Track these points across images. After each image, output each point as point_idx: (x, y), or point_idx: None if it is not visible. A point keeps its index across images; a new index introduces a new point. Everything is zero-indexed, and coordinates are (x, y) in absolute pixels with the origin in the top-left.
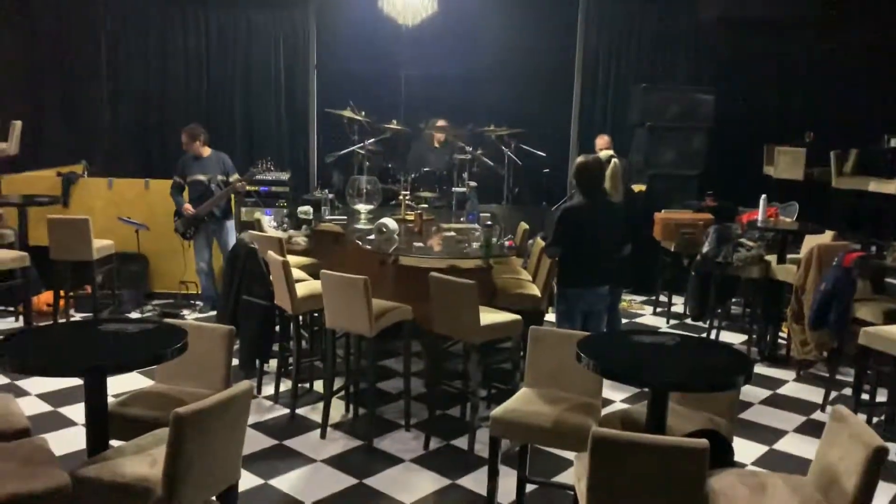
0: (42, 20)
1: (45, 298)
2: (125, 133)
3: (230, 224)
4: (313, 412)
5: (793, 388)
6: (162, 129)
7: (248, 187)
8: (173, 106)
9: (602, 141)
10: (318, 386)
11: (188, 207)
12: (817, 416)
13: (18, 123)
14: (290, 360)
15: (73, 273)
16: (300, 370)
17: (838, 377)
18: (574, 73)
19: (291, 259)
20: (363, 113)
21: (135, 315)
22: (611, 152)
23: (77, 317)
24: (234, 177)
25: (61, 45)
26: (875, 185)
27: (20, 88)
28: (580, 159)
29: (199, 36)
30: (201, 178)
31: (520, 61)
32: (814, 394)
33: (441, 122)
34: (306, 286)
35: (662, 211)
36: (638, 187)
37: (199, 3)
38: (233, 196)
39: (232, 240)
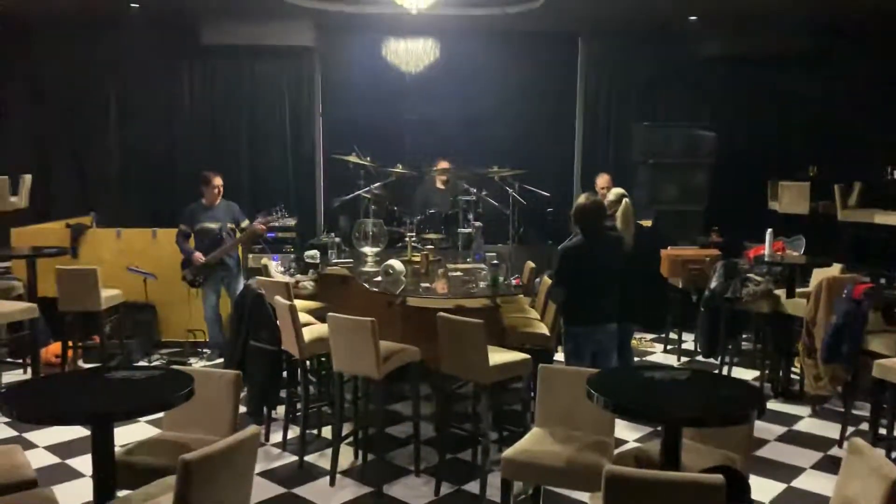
0: (50, 75)
1: (53, 350)
2: (133, 184)
3: (239, 271)
4: (322, 459)
5: (808, 424)
6: (170, 178)
7: (264, 229)
8: (180, 156)
9: (602, 180)
10: (327, 432)
11: (199, 256)
12: (835, 451)
13: (28, 177)
14: (298, 405)
15: (81, 323)
16: (308, 416)
17: (854, 412)
18: (575, 113)
19: (298, 303)
20: (368, 158)
21: (142, 364)
22: (622, 191)
23: (85, 367)
24: (245, 223)
25: (70, 99)
26: (881, 217)
27: (29, 142)
28: (579, 200)
29: (204, 86)
30: (212, 226)
31: (521, 103)
32: (830, 429)
33: (443, 164)
34: (313, 330)
35: (669, 247)
36: (644, 222)
37: (205, 55)
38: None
39: (241, 287)
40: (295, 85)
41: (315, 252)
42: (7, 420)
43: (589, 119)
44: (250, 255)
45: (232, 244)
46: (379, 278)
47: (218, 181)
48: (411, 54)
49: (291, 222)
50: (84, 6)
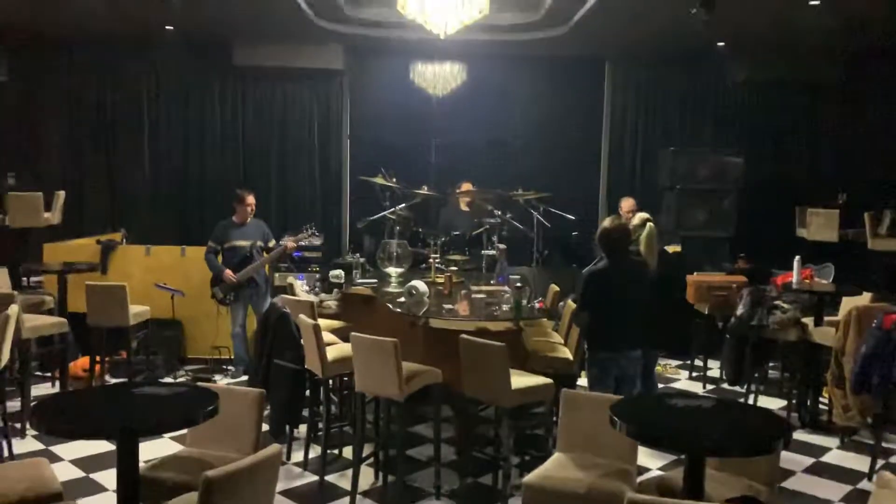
0: (85, 93)
1: (81, 364)
2: (163, 202)
3: (267, 290)
4: (342, 479)
5: (837, 456)
6: (199, 197)
7: (293, 247)
8: (210, 175)
9: (627, 204)
10: (348, 452)
11: (231, 274)
12: (864, 485)
13: (62, 194)
14: (320, 425)
15: (109, 338)
16: (330, 436)
17: (884, 444)
18: (602, 137)
19: (322, 322)
20: (394, 179)
21: (168, 380)
22: (646, 215)
23: (112, 382)
24: (272, 242)
25: (103, 118)
26: None
27: (64, 160)
28: (604, 224)
29: (235, 108)
30: (243, 244)
31: (547, 126)
32: (859, 462)
33: (468, 186)
34: (337, 349)
35: (695, 273)
36: (673, 248)
37: (236, 77)
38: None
39: (267, 305)
40: (324, 107)
41: (340, 272)
42: (35, 433)
43: (615, 143)
44: (276, 274)
45: (262, 262)
46: (402, 299)
47: (251, 200)
48: (438, 78)
49: (318, 241)
50: (119, 26)
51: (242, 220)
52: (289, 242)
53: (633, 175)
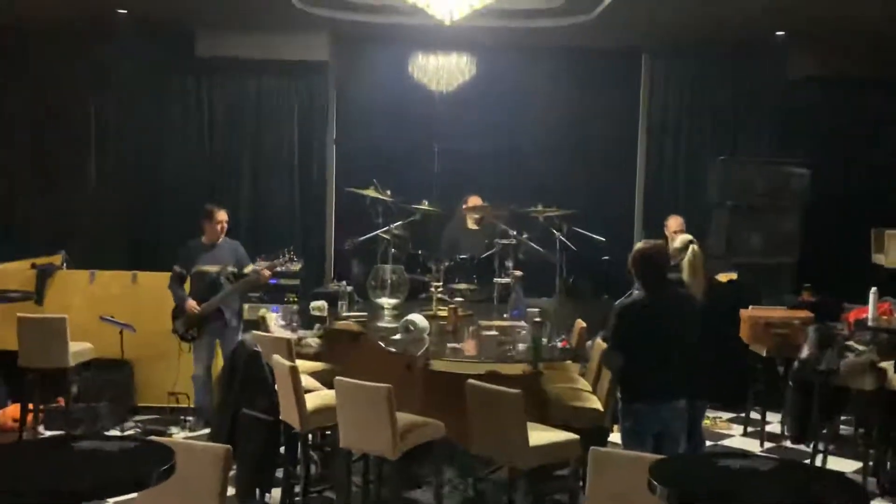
0: (19, 92)
1: (10, 413)
2: (112, 219)
3: (239, 324)
4: None
5: None
6: (155, 214)
7: (268, 275)
8: (169, 188)
9: (675, 222)
10: None
11: (193, 304)
12: None
13: None
14: (297, 488)
15: (44, 382)
16: (308, 501)
17: None
18: (637, 144)
19: (301, 364)
20: (389, 192)
21: (114, 433)
22: (689, 237)
23: (47, 435)
24: (249, 267)
25: (42, 119)
26: None
27: None
28: (638, 246)
29: (200, 107)
30: (211, 269)
31: (572, 131)
32: None
33: (477, 201)
34: (318, 397)
35: (750, 307)
36: (727, 276)
37: (200, 69)
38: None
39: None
40: (305, 106)
41: (322, 303)
42: None
43: (654, 151)
44: (246, 306)
45: (230, 291)
46: (398, 336)
47: (222, 216)
48: (442, 72)
49: (296, 267)
50: (61, 13)
51: (212, 240)
52: (263, 270)
53: (675, 189)
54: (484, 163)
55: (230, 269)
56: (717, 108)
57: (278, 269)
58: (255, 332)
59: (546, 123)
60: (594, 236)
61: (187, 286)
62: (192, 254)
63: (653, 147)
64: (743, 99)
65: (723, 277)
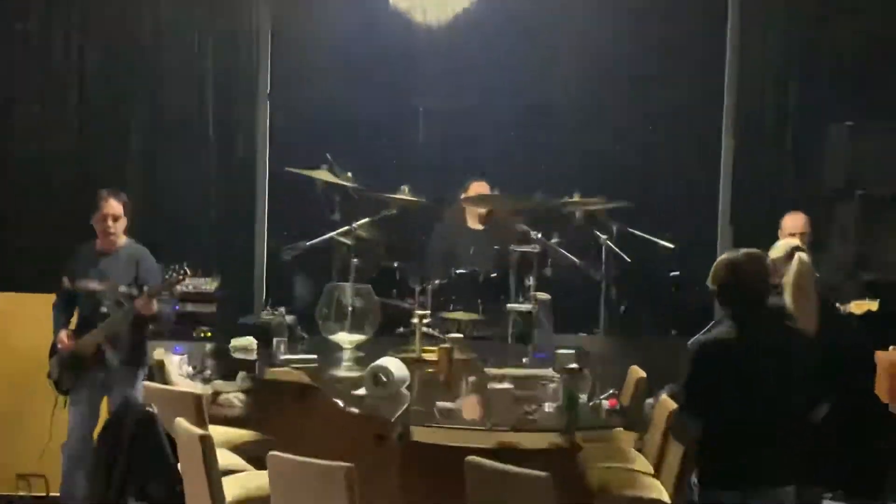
0: None
1: None
2: None
3: (137, 373)
4: None
5: None
6: (6, 199)
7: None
8: (20, 164)
9: (794, 222)
10: None
11: (63, 337)
12: None
13: None
14: None
15: None
16: None
17: None
18: (723, 107)
19: (217, 432)
20: (350, 175)
21: None
22: (794, 241)
23: None
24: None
25: None
26: None
27: None
28: (725, 257)
29: (68, 41)
30: (97, 287)
31: (624, 85)
32: None
33: (479, 187)
34: (241, 481)
35: (891, 348)
36: (862, 305)
37: None
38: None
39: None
40: (225, 43)
41: (249, 340)
42: None
43: (746, 117)
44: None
45: (107, 325)
46: (363, 391)
47: (114, 208)
48: None
49: (210, 286)
50: None
51: (107, 246)
52: (140, 299)
53: (778, 170)
54: (493, 132)
55: (122, 288)
56: (838, 60)
57: (163, 294)
58: (147, 383)
59: (585, 74)
60: (658, 241)
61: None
62: (81, 263)
63: (744, 111)
64: (876, 44)
65: (856, 307)
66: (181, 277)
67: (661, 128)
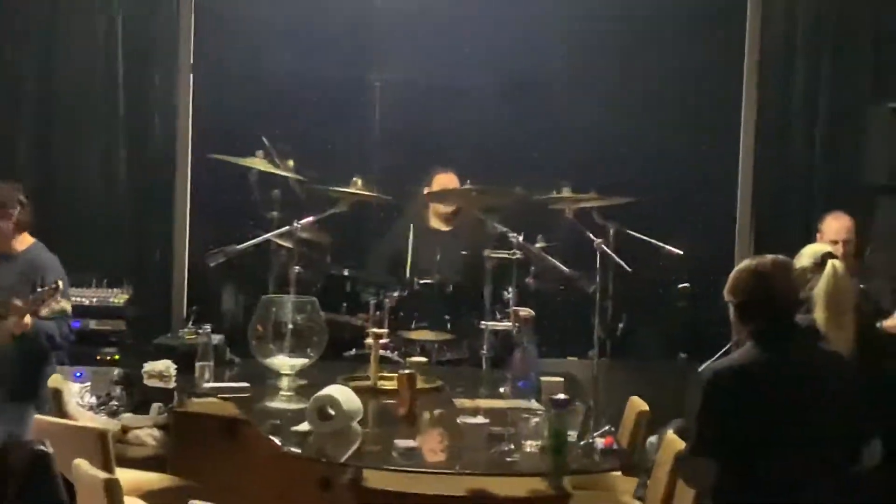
0: None
1: None
2: None
3: (27, 409)
4: None
5: None
6: None
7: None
8: None
9: (840, 224)
10: None
11: None
12: None
13: None
14: None
15: None
16: None
17: None
18: (743, 85)
19: (126, 475)
20: (291, 163)
21: None
22: (824, 247)
23: None
24: (63, 303)
25: None
26: None
27: None
28: (745, 264)
29: None
30: None
31: (625, 56)
32: None
33: (446, 179)
34: None
35: None
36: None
37: None
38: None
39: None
40: (139, 3)
41: (166, 365)
42: None
43: (770, 96)
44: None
45: None
46: (305, 426)
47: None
48: None
49: (117, 298)
50: None
51: (8, 247)
52: (13, 319)
53: (807, 160)
54: (463, 112)
55: (19, 302)
56: (880, 28)
57: (43, 311)
58: (39, 416)
59: (579, 43)
60: (663, 246)
61: None
62: None
63: (769, 89)
64: None
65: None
66: (48, 293)
67: (669, 109)
